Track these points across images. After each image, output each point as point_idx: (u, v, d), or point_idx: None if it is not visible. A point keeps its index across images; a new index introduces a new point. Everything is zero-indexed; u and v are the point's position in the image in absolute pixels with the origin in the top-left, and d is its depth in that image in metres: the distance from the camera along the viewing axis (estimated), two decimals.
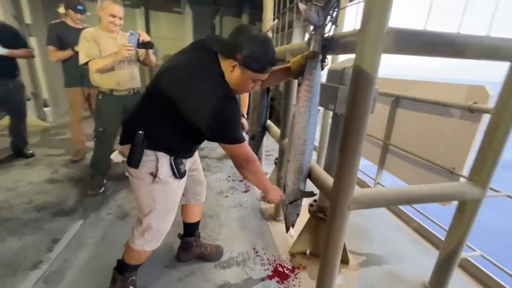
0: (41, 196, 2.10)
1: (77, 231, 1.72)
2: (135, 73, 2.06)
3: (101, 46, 1.84)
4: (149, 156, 1.04)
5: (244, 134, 1.12)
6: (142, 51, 2.03)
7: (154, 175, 1.06)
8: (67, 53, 2.50)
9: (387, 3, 0.80)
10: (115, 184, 2.35)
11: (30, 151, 2.85)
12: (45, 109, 4.31)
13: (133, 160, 1.02)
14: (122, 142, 1.08)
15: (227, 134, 0.98)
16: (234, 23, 5.39)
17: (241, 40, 0.91)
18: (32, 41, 4.02)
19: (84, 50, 1.82)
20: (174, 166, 1.09)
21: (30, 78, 4.11)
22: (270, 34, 1.90)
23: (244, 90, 1.02)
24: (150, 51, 1.98)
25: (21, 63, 3.84)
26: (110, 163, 2.27)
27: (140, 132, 1.00)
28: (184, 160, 1.15)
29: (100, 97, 2.00)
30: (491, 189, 1.24)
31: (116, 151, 1.10)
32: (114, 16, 1.84)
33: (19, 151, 2.78)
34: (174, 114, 0.98)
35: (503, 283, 1.41)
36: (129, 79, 2.00)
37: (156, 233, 1.14)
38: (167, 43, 5.14)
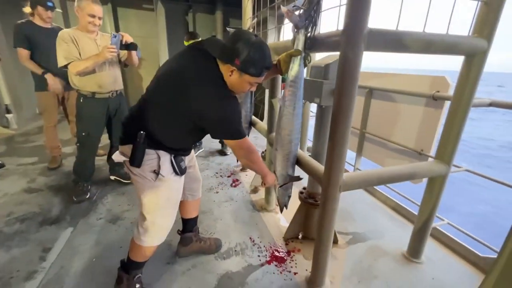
0: (21, 207, 2.00)
1: (68, 239, 1.68)
2: (118, 75, 2.02)
3: (81, 48, 1.78)
4: (151, 155, 1.08)
5: None
6: (123, 52, 2.00)
7: (157, 172, 1.09)
8: (36, 69, 2.34)
9: (366, 6, 0.91)
10: (100, 189, 2.30)
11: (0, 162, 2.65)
12: (7, 115, 3.99)
13: (136, 160, 1.05)
14: (122, 143, 1.10)
15: (231, 131, 1.05)
16: (207, 20, 5.34)
17: (238, 46, 0.95)
18: None
19: (63, 52, 1.75)
20: (174, 164, 1.14)
21: None
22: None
23: (241, 92, 1.09)
24: (134, 52, 1.96)
25: None
26: (94, 168, 2.21)
27: (142, 132, 1.04)
28: (183, 158, 1.20)
29: (81, 100, 1.94)
30: (454, 165, 1.44)
31: (117, 152, 1.12)
32: (93, 16, 1.78)
33: None
34: (176, 115, 1.02)
35: (468, 247, 1.64)
36: (112, 82, 1.96)
37: (161, 228, 1.18)
38: (138, 42, 4.95)
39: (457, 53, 1.19)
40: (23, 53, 2.34)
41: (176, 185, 1.19)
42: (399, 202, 2.15)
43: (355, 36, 0.94)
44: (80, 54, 1.78)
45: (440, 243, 1.75)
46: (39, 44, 2.31)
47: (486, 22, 1.15)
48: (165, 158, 1.11)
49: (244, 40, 0.96)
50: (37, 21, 2.36)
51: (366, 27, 0.94)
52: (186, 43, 2.74)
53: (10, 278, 1.38)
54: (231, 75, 1.00)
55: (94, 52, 1.80)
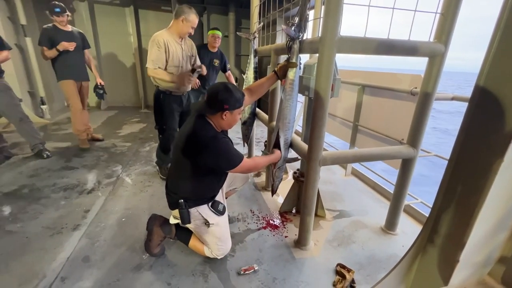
0: (62, 180, 2.41)
1: (102, 204, 2.06)
2: None
3: (170, 53, 2.05)
4: (194, 213, 1.44)
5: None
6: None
7: (208, 224, 1.44)
8: (53, 52, 2.75)
9: (338, 19, 1.20)
10: (125, 169, 2.69)
11: (48, 152, 2.87)
12: (42, 106, 4.49)
13: (185, 220, 1.42)
14: (171, 208, 1.49)
15: (230, 160, 1.34)
16: (221, 21, 5.69)
17: (220, 97, 1.28)
18: (28, 41, 4.18)
19: (153, 56, 1.99)
20: (213, 210, 1.47)
21: (26, 77, 4.27)
22: (256, 35, 2.28)
23: (234, 124, 1.41)
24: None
25: (17, 63, 4.04)
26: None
27: (181, 200, 1.40)
28: (219, 200, 1.52)
29: (160, 96, 2.22)
30: (423, 150, 1.69)
31: (171, 216, 1.52)
32: (193, 28, 2.05)
33: (38, 151, 2.85)
34: (193, 169, 1.35)
35: None
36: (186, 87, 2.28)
37: (226, 250, 1.52)
38: None
39: (419, 55, 1.44)
40: (44, 50, 2.77)
41: (223, 222, 1.51)
42: (385, 187, 2.41)
43: (329, 42, 1.24)
44: (167, 60, 2.06)
45: (415, 219, 2.01)
46: (57, 43, 2.75)
47: (444, 30, 1.40)
48: (204, 208, 1.45)
49: (221, 92, 1.29)
50: (58, 25, 2.83)
51: (338, 35, 1.23)
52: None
53: (62, 228, 1.76)
54: (225, 117, 1.32)
55: (179, 55, 2.10)
